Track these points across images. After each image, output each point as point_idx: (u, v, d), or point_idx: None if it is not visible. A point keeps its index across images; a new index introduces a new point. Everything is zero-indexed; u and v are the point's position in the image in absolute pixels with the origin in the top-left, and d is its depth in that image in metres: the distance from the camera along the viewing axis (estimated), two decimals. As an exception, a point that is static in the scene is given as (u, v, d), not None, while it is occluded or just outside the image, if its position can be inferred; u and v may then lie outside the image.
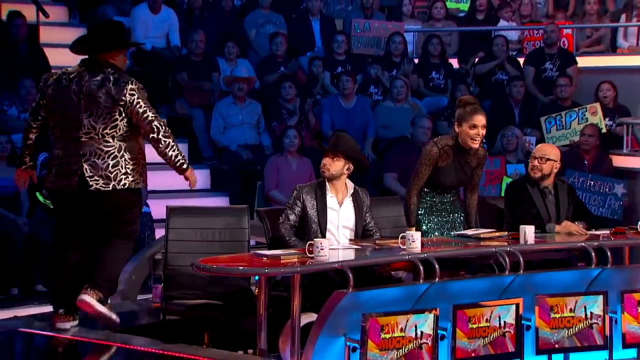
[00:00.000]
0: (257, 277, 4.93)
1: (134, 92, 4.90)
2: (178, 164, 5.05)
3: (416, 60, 9.88)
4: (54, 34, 9.53)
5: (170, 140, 4.99)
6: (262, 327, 4.65)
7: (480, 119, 5.38)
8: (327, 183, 5.28)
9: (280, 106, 8.85)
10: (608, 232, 5.68)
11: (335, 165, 5.25)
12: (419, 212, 5.48)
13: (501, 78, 9.66)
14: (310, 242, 4.70)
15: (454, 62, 9.81)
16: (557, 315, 5.04)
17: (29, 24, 8.94)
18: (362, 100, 9.01)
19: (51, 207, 6.87)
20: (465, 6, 11.01)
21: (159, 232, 7.24)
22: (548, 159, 5.66)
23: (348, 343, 4.50)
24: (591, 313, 5.11)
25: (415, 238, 4.89)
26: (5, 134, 7.52)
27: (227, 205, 8.02)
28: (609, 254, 5.28)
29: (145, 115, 4.89)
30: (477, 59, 9.88)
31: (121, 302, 5.84)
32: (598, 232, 5.65)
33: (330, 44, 9.63)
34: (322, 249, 4.62)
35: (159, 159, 8.90)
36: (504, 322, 4.86)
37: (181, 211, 5.51)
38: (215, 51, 9.36)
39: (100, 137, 4.90)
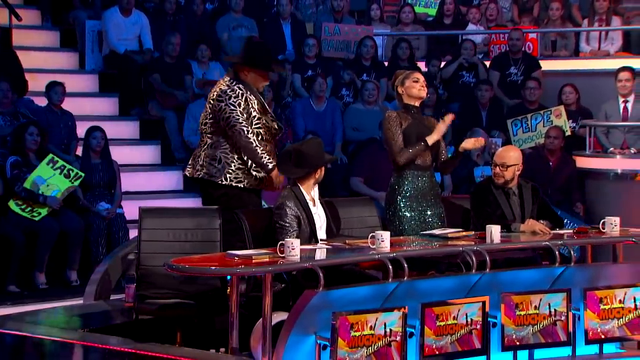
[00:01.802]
0: (229, 277, 4.98)
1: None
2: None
3: (386, 64, 10.01)
4: (27, 37, 9.55)
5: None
6: (234, 326, 4.68)
7: (420, 75, 5.74)
8: (300, 186, 5.32)
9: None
10: (571, 231, 5.79)
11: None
12: (400, 198, 5.59)
13: (468, 80, 9.82)
14: (281, 242, 4.77)
15: (422, 66, 9.94)
16: (522, 313, 5.11)
17: (1, 27, 8.96)
18: (332, 104, 9.11)
19: (29, 217, 6.96)
20: (433, 11, 11.15)
21: (133, 233, 7.28)
22: (509, 166, 5.77)
23: (319, 341, 4.55)
24: (555, 310, 5.19)
25: (384, 238, 4.97)
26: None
27: (200, 206, 8.06)
28: (572, 253, 5.39)
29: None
30: (443, 63, 10.03)
31: (94, 302, 5.85)
32: (562, 231, 5.74)
33: (301, 47, 9.72)
34: (293, 249, 4.69)
35: (133, 161, 8.97)
36: (471, 319, 4.93)
37: (154, 212, 5.54)
38: (187, 54, 9.41)
39: None
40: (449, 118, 5.64)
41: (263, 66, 5.65)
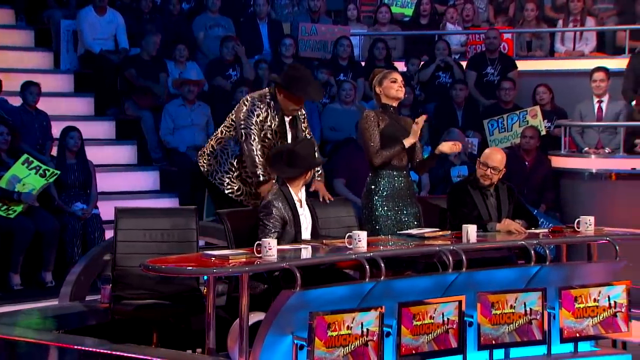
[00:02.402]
0: (205, 277, 4.97)
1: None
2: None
3: (363, 64, 10.03)
4: (1, 36, 9.50)
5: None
6: (211, 327, 4.66)
7: (398, 75, 5.73)
8: (289, 186, 5.29)
9: (233, 107, 8.88)
10: (547, 230, 5.82)
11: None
12: (377, 197, 5.60)
13: (444, 81, 9.86)
14: (258, 242, 4.76)
15: (400, 66, 9.97)
16: (498, 312, 5.14)
17: (-25, 26, 8.90)
18: (309, 104, 9.11)
19: (5, 215, 6.92)
20: (409, 11, 11.19)
21: (108, 234, 7.23)
22: (500, 170, 5.80)
23: (296, 341, 4.56)
24: (530, 309, 5.22)
25: (361, 238, 4.98)
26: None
27: (177, 206, 8.05)
28: (547, 252, 5.42)
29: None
30: (422, 63, 10.07)
31: (69, 303, 5.82)
32: (537, 231, 5.77)
33: (277, 47, 9.72)
34: (270, 249, 4.68)
35: (109, 161, 8.92)
36: (447, 318, 4.95)
37: (130, 212, 5.52)
38: (163, 53, 9.38)
39: None
40: (421, 119, 5.65)
41: (295, 90, 5.67)
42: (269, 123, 5.72)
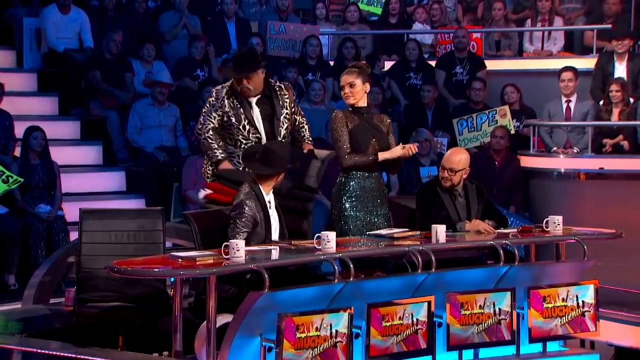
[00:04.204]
0: (172, 279, 4.91)
1: None
2: None
3: (332, 63, 9.99)
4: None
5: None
6: (178, 329, 4.62)
7: (345, 79, 5.63)
8: (260, 186, 5.22)
9: (200, 108, 8.82)
10: (516, 230, 5.83)
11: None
12: (346, 198, 5.57)
13: (415, 82, 9.85)
14: (225, 243, 4.71)
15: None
16: (467, 312, 5.13)
17: None
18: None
19: None
20: (377, 10, 11.18)
21: (73, 235, 7.14)
22: (457, 171, 5.79)
23: (264, 343, 4.53)
24: (499, 309, 5.22)
25: (330, 238, 4.94)
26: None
27: (143, 207, 7.96)
28: (516, 251, 5.41)
29: None
30: (390, 62, 10.05)
31: (33, 306, 5.73)
32: (506, 231, 5.77)
33: (245, 46, 9.65)
34: (237, 250, 4.63)
35: (74, 162, 8.80)
36: (417, 319, 4.93)
37: (95, 214, 5.45)
38: (128, 52, 9.27)
39: None
40: (412, 149, 5.60)
41: (234, 68, 5.88)
42: (227, 108, 5.84)
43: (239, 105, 5.82)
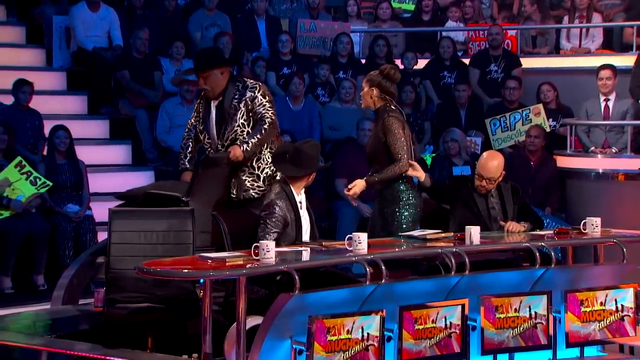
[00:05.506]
0: (202, 280, 4.86)
1: None
2: None
3: (363, 61, 9.90)
4: (-8, 32, 9.39)
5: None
6: (207, 331, 4.59)
7: (364, 82, 5.80)
8: (291, 186, 5.20)
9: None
10: (552, 232, 5.73)
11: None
12: (405, 208, 5.56)
13: (449, 82, 9.72)
14: (255, 244, 4.65)
15: (400, 62, 9.84)
16: (502, 316, 5.06)
17: (-35, 23, 8.79)
18: (310, 103, 8.98)
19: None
20: (409, 6, 11.08)
21: (101, 235, 7.14)
22: (496, 179, 5.72)
23: (294, 346, 4.48)
24: (535, 313, 5.15)
25: (361, 240, 4.89)
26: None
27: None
28: (552, 254, 5.32)
29: None
30: (424, 60, 9.93)
31: (62, 307, 5.72)
32: (542, 232, 5.70)
33: (275, 44, 9.59)
34: (268, 251, 4.59)
35: (103, 161, 8.80)
36: (450, 322, 4.87)
37: (124, 214, 5.42)
38: (157, 50, 9.25)
39: None
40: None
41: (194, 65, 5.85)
42: (196, 111, 5.85)
43: (201, 108, 5.80)
